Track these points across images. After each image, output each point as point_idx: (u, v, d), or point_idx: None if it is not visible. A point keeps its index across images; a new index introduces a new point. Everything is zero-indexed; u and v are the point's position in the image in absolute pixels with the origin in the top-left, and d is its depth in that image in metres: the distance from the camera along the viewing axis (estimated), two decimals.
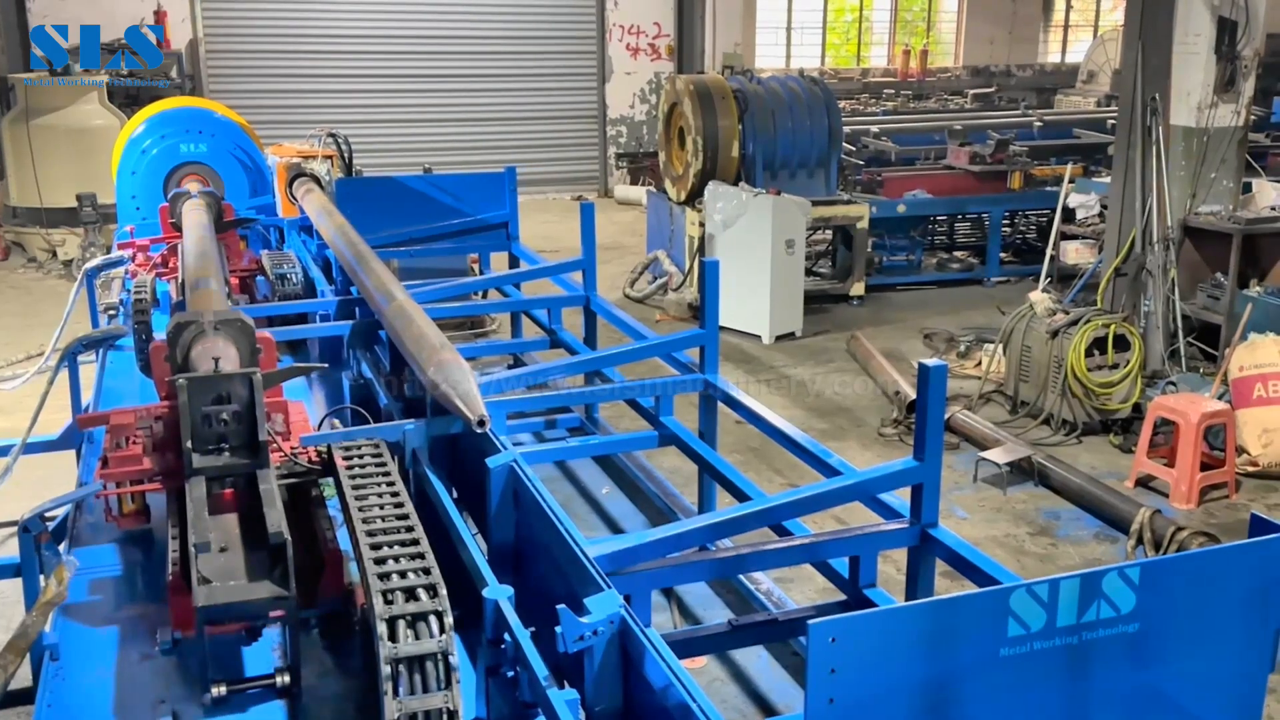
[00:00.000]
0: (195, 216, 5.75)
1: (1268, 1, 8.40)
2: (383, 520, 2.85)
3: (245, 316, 3.35)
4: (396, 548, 2.70)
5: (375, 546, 2.70)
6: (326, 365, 4.75)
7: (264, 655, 2.83)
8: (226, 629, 2.76)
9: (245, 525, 2.86)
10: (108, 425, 3.23)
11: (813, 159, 11.21)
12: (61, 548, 3.28)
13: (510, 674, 2.61)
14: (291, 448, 3.26)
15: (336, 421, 3.63)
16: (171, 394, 3.03)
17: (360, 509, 2.91)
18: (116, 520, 3.31)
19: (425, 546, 2.70)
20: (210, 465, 2.91)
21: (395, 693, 2.32)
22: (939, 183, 12.39)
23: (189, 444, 2.91)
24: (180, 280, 5.05)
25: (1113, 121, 11.65)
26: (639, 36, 18.43)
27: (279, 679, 2.67)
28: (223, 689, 2.61)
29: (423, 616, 2.42)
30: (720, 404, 4.93)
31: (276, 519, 2.67)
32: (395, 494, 3.03)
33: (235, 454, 2.95)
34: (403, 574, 2.55)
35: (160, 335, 3.47)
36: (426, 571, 2.56)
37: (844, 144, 11.90)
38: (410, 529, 2.80)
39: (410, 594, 2.48)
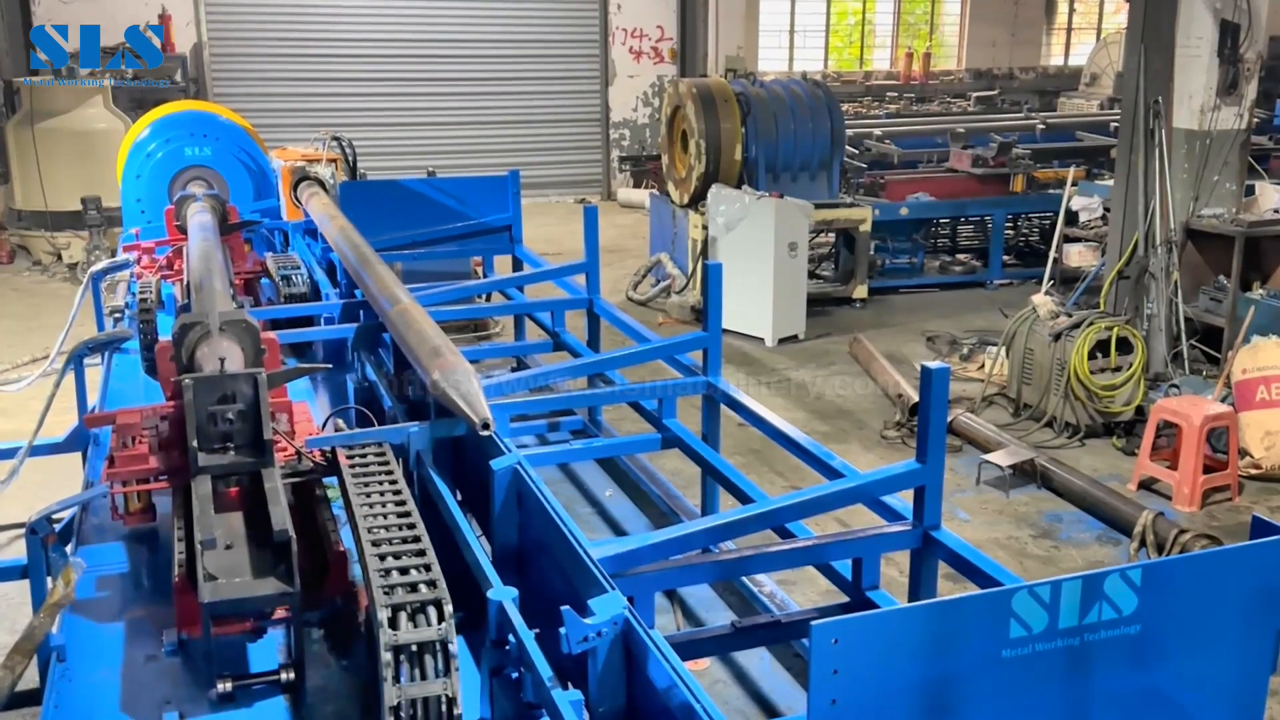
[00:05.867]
0: (200, 219, 5.77)
1: (1270, 4, 8.41)
2: (381, 496, 3.01)
3: (250, 318, 3.35)
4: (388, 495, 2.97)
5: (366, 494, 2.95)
6: (330, 365, 4.76)
7: (268, 652, 2.84)
8: (231, 629, 2.77)
9: (250, 523, 2.86)
10: (114, 425, 3.22)
11: (815, 162, 11.22)
12: (69, 549, 3.29)
13: (514, 675, 2.62)
14: (297, 448, 3.26)
15: (340, 422, 3.63)
16: (177, 394, 3.02)
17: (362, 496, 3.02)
18: (123, 518, 3.31)
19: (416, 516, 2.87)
20: (215, 464, 2.91)
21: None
22: (941, 186, 12.40)
23: (194, 443, 2.91)
24: (185, 282, 5.08)
25: (1115, 124, 11.65)
26: (642, 40, 18.44)
27: (283, 675, 2.67)
28: (228, 684, 2.62)
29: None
30: (723, 406, 4.94)
31: (281, 516, 2.69)
32: (389, 471, 3.15)
33: (240, 452, 2.95)
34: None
35: (166, 337, 3.47)
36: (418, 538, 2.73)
37: (846, 147, 11.91)
38: (401, 501, 2.95)
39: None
